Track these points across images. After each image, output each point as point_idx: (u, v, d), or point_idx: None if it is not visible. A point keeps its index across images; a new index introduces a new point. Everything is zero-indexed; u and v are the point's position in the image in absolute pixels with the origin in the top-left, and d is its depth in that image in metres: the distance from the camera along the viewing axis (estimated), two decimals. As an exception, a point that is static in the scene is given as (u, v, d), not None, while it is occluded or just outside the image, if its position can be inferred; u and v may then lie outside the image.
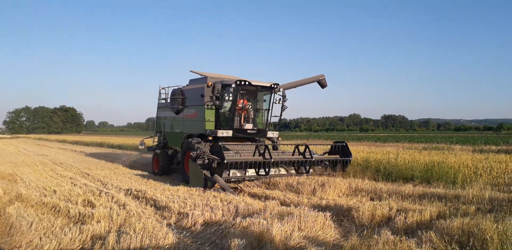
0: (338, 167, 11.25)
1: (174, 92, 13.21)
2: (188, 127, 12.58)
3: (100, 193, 8.70)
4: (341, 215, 6.54)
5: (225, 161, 9.20)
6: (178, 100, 12.84)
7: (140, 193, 8.61)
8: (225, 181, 9.42)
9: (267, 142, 12.07)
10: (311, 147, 11.30)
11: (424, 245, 4.43)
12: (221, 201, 7.53)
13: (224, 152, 9.44)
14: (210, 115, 11.53)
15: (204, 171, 9.51)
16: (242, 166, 9.82)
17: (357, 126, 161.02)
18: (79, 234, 5.20)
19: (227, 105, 11.58)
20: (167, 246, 4.69)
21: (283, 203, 7.60)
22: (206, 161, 9.58)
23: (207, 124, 11.46)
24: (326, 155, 11.66)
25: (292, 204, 7.16)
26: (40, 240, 4.96)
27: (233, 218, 5.99)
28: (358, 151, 16.49)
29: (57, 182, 10.88)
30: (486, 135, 59.87)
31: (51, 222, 5.94)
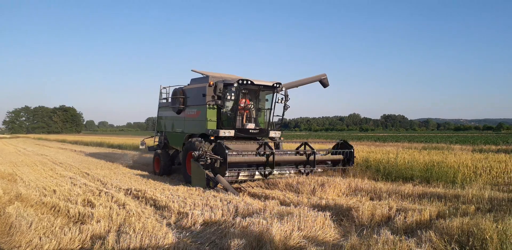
0: (340, 166, 11.26)
1: (175, 92, 13.14)
2: (189, 126, 12.51)
3: (99, 193, 8.70)
4: (341, 215, 6.54)
5: (228, 161, 9.11)
6: (179, 99, 12.76)
7: (139, 193, 8.61)
8: (228, 181, 9.34)
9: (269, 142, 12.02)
10: (314, 146, 11.26)
11: (423, 244, 4.42)
12: (220, 201, 7.53)
13: (226, 151, 9.37)
14: (212, 115, 11.46)
15: (207, 171, 9.44)
16: (245, 166, 9.76)
17: (356, 125, 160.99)
18: (78, 234, 5.20)
19: (229, 104, 11.50)
20: (166, 246, 4.69)
21: (282, 203, 7.59)
22: (209, 161, 9.51)
23: (209, 124, 11.39)
24: (329, 155, 11.60)
25: (291, 204, 7.16)
26: (40, 239, 4.96)
27: (232, 218, 5.98)
28: (358, 150, 16.47)
29: (56, 181, 10.88)
30: (486, 135, 59.91)
31: (51, 221, 5.93)
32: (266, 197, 8.40)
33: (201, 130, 11.64)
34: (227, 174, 9.42)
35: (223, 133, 10.87)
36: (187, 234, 5.40)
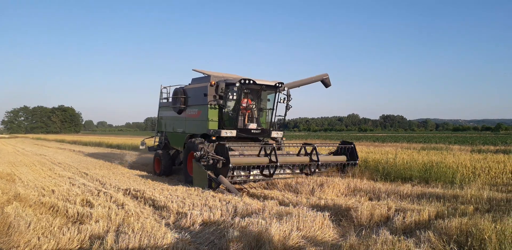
0: (348, 168, 11.14)
1: (176, 92, 13.04)
2: (190, 126, 12.42)
3: (98, 193, 8.69)
4: (340, 215, 6.54)
5: (231, 164, 9.02)
6: (180, 99, 12.65)
7: (138, 193, 8.61)
8: (230, 182, 9.23)
9: (271, 142, 11.89)
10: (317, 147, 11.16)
11: (422, 245, 4.43)
12: (219, 201, 7.53)
13: (229, 152, 9.28)
14: (213, 114, 11.37)
15: (209, 172, 9.35)
16: (247, 167, 9.68)
17: (355, 125, 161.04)
18: (77, 234, 5.19)
19: (231, 104, 11.41)
20: (165, 246, 4.69)
21: (281, 203, 7.59)
22: (211, 162, 9.44)
23: (210, 124, 11.30)
24: (332, 156, 11.52)
25: (290, 204, 7.15)
26: (38, 239, 4.95)
27: (231, 218, 5.98)
28: (357, 150, 16.47)
29: (55, 181, 10.86)
30: (485, 135, 60.00)
31: (50, 221, 5.93)
32: (265, 197, 8.40)
33: (203, 130, 11.54)
34: (229, 175, 9.30)
35: (225, 133, 10.77)
36: (186, 234, 5.39)
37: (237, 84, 10.61)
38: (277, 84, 11.24)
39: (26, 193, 8.31)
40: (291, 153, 11.54)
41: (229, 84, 10.95)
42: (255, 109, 11.72)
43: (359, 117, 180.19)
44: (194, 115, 12.25)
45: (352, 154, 11.36)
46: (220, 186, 9.03)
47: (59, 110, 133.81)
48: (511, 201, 6.98)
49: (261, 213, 6.09)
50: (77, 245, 4.96)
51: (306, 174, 10.53)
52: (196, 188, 9.39)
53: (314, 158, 10.55)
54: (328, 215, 6.01)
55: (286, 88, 11.73)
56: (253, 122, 11.51)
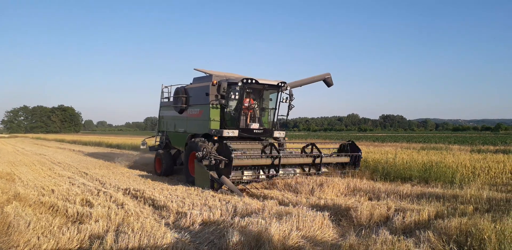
0: (348, 168, 11.11)
1: (177, 91, 12.96)
2: (192, 126, 12.34)
3: (98, 193, 8.69)
4: (340, 215, 6.55)
5: (233, 165, 8.94)
6: (182, 99, 12.56)
7: (138, 193, 8.60)
8: (232, 182, 9.14)
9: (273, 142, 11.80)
10: (319, 146, 11.06)
11: (422, 244, 4.43)
12: (219, 201, 7.53)
13: (232, 152, 9.18)
14: (215, 114, 11.28)
15: (211, 172, 9.25)
16: (250, 167, 9.61)
17: (355, 125, 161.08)
18: (77, 234, 5.19)
19: (233, 104, 11.32)
20: (165, 246, 4.69)
21: (281, 203, 7.59)
22: (213, 162, 9.35)
23: (212, 123, 11.21)
24: (335, 156, 11.48)
25: (290, 204, 7.15)
26: (38, 239, 4.95)
27: (231, 218, 5.98)
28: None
29: (55, 181, 10.86)
30: (484, 135, 60.00)
31: (49, 221, 5.93)
32: (265, 197, 8.40)
33: (204, 130, 11.45)
34: (232, 176, 9.20)
35: (227, 133, 10.67)
36: (186, 234, 5.39)
37: (239, 84, 10.50)
38: (280, 84, 11.14)
39: (26, 193, 8.30)
40: (293, 152, 11.46)
41: (231, 84, 10.87)
42: (257, 109, 11.64)
43: (358, 117, 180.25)
44: (195, 115, 12.16)
45: (356, 160, 11.28)
46: (223, 187, 8.95)
47: (59, 110, 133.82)
48: (511, 201, 6.99)
49: (260, 213, 6.10)
50: (76, 245, 4.96)
51: (310, 174, 10.47)
52: (196, 187, 9.38)
53: (317, 158, 10.46)
54: (328, 215, 6.01)
55: (288, 88, 11.64)
56: (255, 122, 11.42)
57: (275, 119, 11.69)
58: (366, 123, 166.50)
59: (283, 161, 9.80)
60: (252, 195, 8.88)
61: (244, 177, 9.79)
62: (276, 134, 11.79)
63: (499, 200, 7.13)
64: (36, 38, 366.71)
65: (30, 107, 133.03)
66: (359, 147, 11.54)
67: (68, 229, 5.34)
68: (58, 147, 33.38)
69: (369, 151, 16.31)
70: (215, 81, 11.21)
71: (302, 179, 9.66)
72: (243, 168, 9.65)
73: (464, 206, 6.62)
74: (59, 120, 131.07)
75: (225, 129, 10.90)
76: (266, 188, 9.69)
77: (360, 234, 5.09)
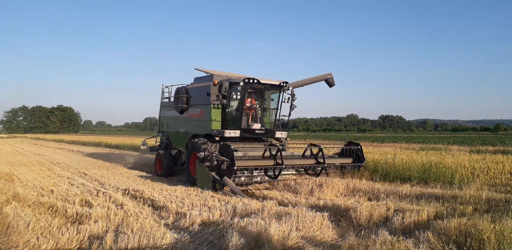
0: (348, 169, 11.01)
1: (178, 91, 12.89)
2: (193, 126, 12.26)
3: (97, 193, 8.68)
4: (339, 215, 6.55)
5: (235, 166, 8.85)
6: (183, 99, 12.48)
7: (137, 193, 8.60)
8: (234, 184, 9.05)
9: (274, 142, 11.65)
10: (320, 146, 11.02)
11: (421, 245, 4.43)
12: (219, 201, 7.53)
13: (234, 153, 9.10)
14: (216, 114, 11.21)
15: (213, 173, 9.17)
16: (252, 168, 9.54)
17: (354, 126, 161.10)
18: (76, 234, 5.18)
19: (234, 104, 11.25)
20: (164, 246, 4.69)
21: (281, 203, 7.59)
22: (215, 163, 9.27)
23: (213, 124, 11.14)
24: (337, 157, 11.40)
25: (290, 204, 7.15)
26: (37, 240, 4.94)
27: (231, 218, 5.98)
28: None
29: (54, 181, 10.85)
30: (483, 136, 60.07)
31: (48, 221, 5.92)
32: (264, 197, 8.40)
33: (205, 130, 11.37)
34: (234, 176, 9.12)
35: (228, 133, 10.59)
36: (185, 234, 5.39)
37: (241, 84, 10.44)
38: (282, 84, 11.06)
39: (25, 193, 8.30)
40: (295, 153, 11.38)
41: (233, 84, 10.78)
42: (258, 109, 11.56)
43: (358, 117, 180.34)
44: (196, 115, 12.09)
45: (358, 156, 11.21)
46: (225, 188, 8.87)
47: (58, 110, 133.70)
48: (510, 202, 7.00)
49: (260, 213, 6.09)
50: (76, 245, 4.95)
51: (312, 175, 10.39)
52: (195, 188, 9.37)
53: (320, 159, 10.38)
54: (327, 215, 6.01)
55: (290, 88, 11.55)
56: (257, 123, 11.33)
57: (277, 120, 11.59)
58: (365, 124, 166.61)
59: (285, 162, 9.72)
60: (251, 196, 8.87)
61: (247, 179, 9.70)
62: (278, 134, 11.70)
63: (498, 200, 7.14)
64: (35, 38, 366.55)
65: (29, 108, 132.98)
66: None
67: (68, 229, 5.34)
68: (57, 147, 33.36)
69: (368, 152, 16.31)
70: (216, 81, 11.12)
71: (302, 179, 9.65)
72: (246, 169, 9.56)
73: (464, 207, 6.62)
74: (58, 121, 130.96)
75: (227, 129, 10.82)
76: (265, 189, 9.70)
77: (360, 234, 5.09)
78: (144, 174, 13.75)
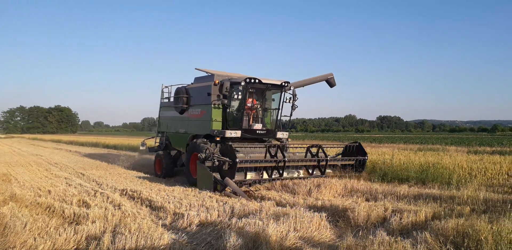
0: (352, 171, 10.98)
1: (178, 91, 12.79)
2: (193, 127, 12.17)
3: (95, 193, 8.66)
4: (337, 216, 6.55)
5: (238, 164, 8.76)
6: (183, 99, 12.38)
7: (135, 193, 8.58)
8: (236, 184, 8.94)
9: (275, 143, 11.51)
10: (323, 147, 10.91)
11: (419, 245, 4.44)
12: (216, 202, 7.52)
13: (236, 153, 9.03)
14: (217, 114, 11.12)
15: (214, 174, 9.07)
16: (253, 168, 9.46)
17: (352, 126, 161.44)
18: (73, 235, 5.17)
19: (235, 104, 11.16)
20: (162, 247, 4.68)
21: (278, 204, 7.59)
22: (216, 163, 9.19)
23: (214, 124, 11.05)
24: (339, 157, 11.36)
25: (287, 205, 7.16)
26: (35, 240, 4.93)
27: (228, 219, 5.97)
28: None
29: (51, 182, 10.82)
30: (481, 136, 60.27)
31: (46, 222, 5.90)
32: (262, 198, 8.40)
33: (206, 131, 11.26)
34: (236, 177, 9.02)
35: (229, 133, 10.49)
36: (183, 235, 5.39)
37: (243, 83, 10.35)
38: (283, 84, 10.99)
39: (22, 194, 8.27)
40: (297, 154, 11.32)
41: (234, 84, 10.69)
42: (260, 109, 11.48)
43: (356, 118, 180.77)
44: (197, 115, 11.98)
45: (359, 152, 11.20)
46: (226, 189, 8.77)
47: (55, 110, 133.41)
48: (507, 202, 7.01)
49: (258, 214, 6.09)
50: (73, 246, 4.94)
51: (314, 175, 10.35)
52: (193, 188, 9.36)
53: (322, 158, 10.35)
54: (325, 216, 6.02)
55: (292, 88, 11.46)
56: (258, 123, 11.25)
57: (279, 120, 11.52)
58: (363, 125, 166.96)
59: (289, 161, 9.63)
60: (249, 196, 8.86)
61: (249, 179, 9.61)
62: (279, 134, 11.62)
63: (496, 201, 7.16)
64: (33, 38, 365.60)
65: (27, 108, 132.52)
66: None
67: (65, 230, 5.32)
68: (54, 148, 33.28)
69: (366, 152, 16.31)
70: (217, 81, 11.02)
71: (300, 180, 9.64)
72: (246, 169, 9.51)
73: (461, 207, 6.64)
74: (56, 121, 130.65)
75: (228, 129, 10.73)
76: (267, 189, 9.68)
77: (358, 235, 5.10)
78: (142, 174, 13.73)
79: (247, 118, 11.13)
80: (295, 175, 10.39)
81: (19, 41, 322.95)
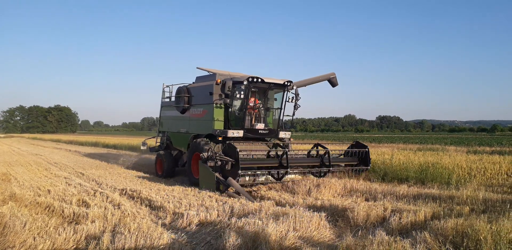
0: (357, 172, 10.85)
1: (179, 90, 12.72)
2: (195, 126, 12.09)
3: (94, 193, 8.66)
4: (336, 216, 6.55)
5: (241, 166, 8.71)
6: (184, 98, 12.30)
7: (135, 193, 8.59)
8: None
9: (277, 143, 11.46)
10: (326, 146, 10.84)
11: (418, 245, 4.44)
12: (216, 201, 7.53)
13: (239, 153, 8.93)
14: (219, 114, 11.04)
15: (216, 174, 9.01)
16: (256, 168, 9.40)
17: (352, 126, 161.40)
18: (73, 234, 5.17)
19: (237, 103, 11.08)
20: (161, 246, 4.68)
21: (278, 203, 7.59)
22: (219, 163, 9.12)
23: (216, 124, 10.96)
24: (342, 157, 11.31)
25: (287, 204, 7.16)
26: (34, 240, 4.93)
27: (228, 218, 5.98)
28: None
29: (51, 181, 10.81)
30: (480, 136, 60.23)
31: (45, 222, 5.90)
32: (262, 198, 8.40)
33: (208, 130, 11.19)
34: (239, 177, 8.96)
35: (232, 133, 10.42)
36: (182, 234, 5.39)
37: (245, 83, 10.25)
38: (286, 83, 10.91)
39: (22, 193, 8.27)
40: (299, 154, 11.26)
41: (236, 83, 10.63)
42: (262, 108, 11.43)
43: (355, 118, 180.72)
44: (198, 115, 11.89)
45: (364, 158, 11.07)
46: (229, 189, 8.72)
47: (55, 110, 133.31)
48: (507, 202, 7.02)
49: (257, 214, 6.09)
50: (73, 245, 4.94)
51: (317, 176, 10.31)
52: (193, 188, 9.36)
53: (326, 161, 10.26)
54: (325, 216, 6.02)
55: (294, 87, 11.38)
56: (260, 122, 11.18)
57: (281, 120, 11.45)
58: (362, 124, 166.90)
59: (291, 164, 9.58)
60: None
61: (251, 179, 9.57)
62: (282, 134, 11.55)
63: (495, 201, 7.16)
64: (33, 38, 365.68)
65: (26, 107, 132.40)
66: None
67: (64, 229, 5.32)
68: (54, 147, 33.27)
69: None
70: (219, 80, 10.95)
71: (300, 180, 9.63)
72: (250, 170, 9.45)
73: (460, 207, 6.64)
74: (55, 121, 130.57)
75: (230, 129, 10.66)
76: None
77: (357, 234, 5.10)
78: (141, 174, 13.72)
79: (249, 118, 11.06)
80: (298, 175, 10.34)
81: (18, 40, 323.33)
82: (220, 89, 10.94)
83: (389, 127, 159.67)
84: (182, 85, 12.87)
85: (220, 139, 10.58)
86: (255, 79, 10.27)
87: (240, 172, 8.80)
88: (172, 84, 13.70)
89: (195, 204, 7.17)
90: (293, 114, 11.52)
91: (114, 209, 6.88)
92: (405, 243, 4.37)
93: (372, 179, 10.86)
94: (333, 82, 13.87)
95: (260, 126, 11.05)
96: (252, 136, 10.92)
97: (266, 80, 10.53)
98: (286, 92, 11.16)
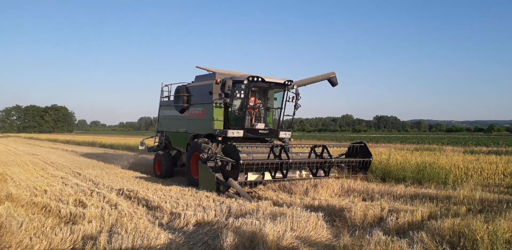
0: (359, 171, 10.88)
1: (178, 90, 12.60)
2: (194, 126, 11.97)
3: (91, 193, 8.64)
4: (334, 215, 6.56)
5: (241, 162, 8.59)
6: (183, 98, 12.18)
7: (132, 193, 8.56)
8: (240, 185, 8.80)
9: (277, 143, 11.37)
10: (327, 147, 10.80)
11: (415, 245, 4.45)
12: (213, 201, 7.52)
13: (240, 153, 8.89)
14: (218, 114, 10.93)
15: (217, 174, 8.90)
16: (257, 168, 9.35)
17: (349, 126, 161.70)
18: (70, 234, 5.15)
19: (237, 103, 10.97)
20: (159, 246, 4.67)
21: (275, 203, 7.59)
22: (219, 163, 9.04)
23: (216, 123, 10.85)
24: (343, 157, 11.29)
25: (284, 204, 7.15)
26: (31, 240, 4.91)
27: (225, 218, 5.97)
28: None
29: (48, 181, 10.78)
30: (477, 136, 60.50)
31: (42, 222, 5.88)
32: (259, 198, 8.40)
33: (207, 130, 11.08)
34: (240, 178, 8.88)
35: (232, 133, 10.32)
36: (180, 234, 5.38)
37: (245, 82, 10.14)
38: (286, 82, 10.84)
39: (18, 193, 8.24)
40: (300, 154, 11.19)
41: (236, 82, 10.52)
42: (262, 108, 11.35)
43: (353, 118, 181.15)
44: (198, 115, 11.78)
45: (364, 153, 11.09)
46: (230, 190, 8.63)
47: (52, 109, 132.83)
48: (503, 202, 7.05)
49: (255, 214, 6.09)
50: (69, 246, 4.92)
51: (319, 176, 10.27)
52: (190, 188, 9.34)
53: (326, 157, 10.27)
54: (322, 216, 6.02)
55: (295, 87, 11.29)
56: (260, 122, 11.11)
57: (281, 119, 11.40)
58: (360, 124, 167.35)
59: (293, 160, 9.54)
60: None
61: (251, 180, 9.50)
62: (282, 134, 11.48)
63: (492, 200, 7.19)
64: (30, 38, 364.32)
65: (23, 107, 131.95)
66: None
67: (61, 229, 5.30)
68: (51, 147, 33.15)
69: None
70: (219, 79, 10.83)
71: (297, 180, 9.62)
72: (251, 170, 9.40)
73: (457, 207, 6.66)
74: (52, 120, 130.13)
75: (229, 129, 10.58)
76: (260, 189, 9.68)
77: (354, 234, 5.10)
78: (138, 174, 13.68)
79: (249, 117, 10.98)
80: (299, 175, 10.32)
81: (16, 40, 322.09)
82: (220, 89, 10.85)
83: (387, 127, 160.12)
84: (181, 84, 12.74)
85: (219, 139, 10.51)
86: (255, 79, 10.21)
87: (240, 172, 8.70)
88: (171, 84, 13.59)
89: (193, 204, 7.15)
90: (294, 114, 11.44)
91: (111, 209, 6.86)
92: (402, 243, 4.38)
93: (369, 179, 10.89)
94: (333, 82, 13.83)
95: (260, 125, 10.98)
96: (252, 135, 10.84)
97: (266, 79, 10.46)
98: (286, 91, 11.09)
